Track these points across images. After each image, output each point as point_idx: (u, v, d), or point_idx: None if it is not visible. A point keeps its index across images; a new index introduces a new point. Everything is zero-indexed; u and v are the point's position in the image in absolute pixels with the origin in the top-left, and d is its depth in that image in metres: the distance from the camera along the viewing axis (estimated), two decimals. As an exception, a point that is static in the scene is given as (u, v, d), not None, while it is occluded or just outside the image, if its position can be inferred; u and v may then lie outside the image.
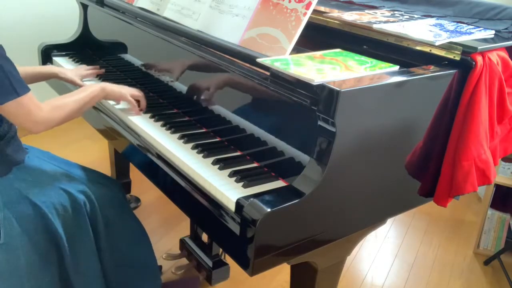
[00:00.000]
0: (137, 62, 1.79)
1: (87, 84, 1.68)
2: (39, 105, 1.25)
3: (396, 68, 1.16)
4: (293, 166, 1.14)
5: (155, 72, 1.67)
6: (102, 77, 1.80)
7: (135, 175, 2.35)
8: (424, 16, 1.52)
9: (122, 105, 1.56)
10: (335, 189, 1.07)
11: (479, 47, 1.18)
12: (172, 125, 1.42)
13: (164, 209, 2.45)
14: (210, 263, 1.75)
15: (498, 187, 2.24)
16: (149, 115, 1.49)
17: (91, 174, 1.49)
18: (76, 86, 1.70)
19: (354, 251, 2.04)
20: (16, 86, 1.19)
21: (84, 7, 2.09)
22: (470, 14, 1.48)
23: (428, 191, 1.30)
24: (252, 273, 1.01)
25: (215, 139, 1.37)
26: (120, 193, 1.55)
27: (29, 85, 1.26)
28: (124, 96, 1.49)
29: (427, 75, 1.15)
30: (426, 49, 1.26)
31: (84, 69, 1.80)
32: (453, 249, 2.39)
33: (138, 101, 1.52)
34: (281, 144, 1.18)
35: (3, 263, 1.23)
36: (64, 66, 1.97)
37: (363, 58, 1.22)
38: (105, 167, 2.38)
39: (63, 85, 1.81)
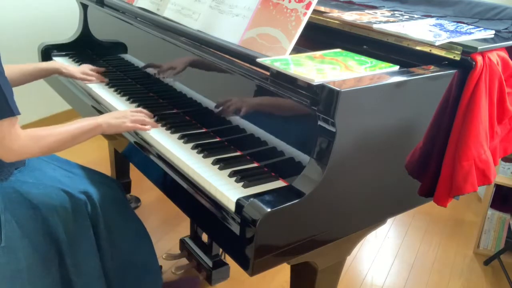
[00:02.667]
0: (137, 62, 1.79)
1: (84, 77, 1.69)
2: (18, 132, 1.14)
3: (396, 68, 1.16)
4: (293, 166, 1.14)
5: (155, 72, 1.67)
6: (110, 83, 1.76)
7: (135, 175, 2.35)
8: (424, 16, 1.52)
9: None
10: (335, 189, 1.07)
11: (479, 47, 1.18)
12: (172, 125, 1.42)
13: (164, 209, 2.45)
14: (210, 263, 1.75)
15: (498, 187, 2.24)
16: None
17: (92, 174, 1.49)
18: (76, 80, 1.70)
19: (354, 251, 2.04)
20: (11, 105, 1.11)
21: (84, 7, 2.09)
22: (470, 14, 1.48)
23: (428, 191, 1.30)
24: (252, 273, 1.01)
25: (215, 139, 1.37)
26: (120, 193, 1.55)
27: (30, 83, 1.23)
28: (124, 127, 1.37)
29: (427, 75, 1.15)
30: (426, 49, 1.26)
31: (88, 67, 1.78)
32: (453, 249, 2.39)
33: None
34: (281, 144, 1.18)
35: (4, 265, 1.23)
36: (64, 66, 1.97)
37: (363, 58, 1.22)
38: (105, 167, 2.38)
39: (64, 85, 1.80)
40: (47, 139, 1.21)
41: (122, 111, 1.43)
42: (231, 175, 1.16)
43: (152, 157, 1.34)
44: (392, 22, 1.40)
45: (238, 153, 1.29)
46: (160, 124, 1.43)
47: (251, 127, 1.27)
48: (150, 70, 1.70)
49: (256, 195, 1.05)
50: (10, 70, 1.49)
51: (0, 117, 1.11)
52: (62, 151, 1.29)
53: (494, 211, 2.30)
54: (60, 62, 1.71)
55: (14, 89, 1.18)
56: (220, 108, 1.37)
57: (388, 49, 1.33)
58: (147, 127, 1.39)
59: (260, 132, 1.24)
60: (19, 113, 1.14)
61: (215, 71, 1.39)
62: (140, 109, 1.47)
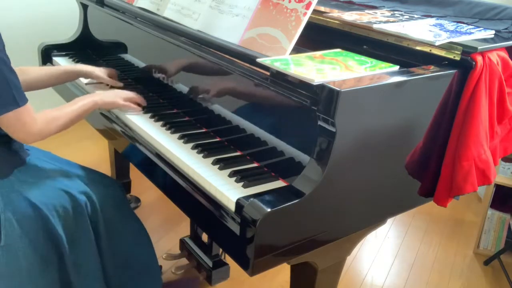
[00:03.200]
0: (137, 62, 1.79)
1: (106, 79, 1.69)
2: (34, 117, 1.25)
3: (396, 68, 1.16)
4: (293, 166, 1.14)
5: (155, 72, 1.67)
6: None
7: (135, 175, 2.35)
8: (424, 16, 1.52)
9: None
10: (335, 189, 1.07)
11: (479, 47, 1.18)
12: (172, 125, 1.42)
13: (164, 209, 2.45)
14: (210, 263, 1.75)
15: (498, 187, 2.24)
16: (149, 115, 1.49)
17: (92, 174, 1.49)
18: (77, 81, 1.70)
19: (354, 251, 2.03)
20: (17, 97, 1.19)
21: (84, 7, 2.08)
22: (470, 14, 1.48)
23: (428, 191, 1.30)
24: (252, 273, 1.01)
25: (215, 139, 1.37)
26: (120, 193, 1.54)
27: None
28: (117, 104, 1.49)
29: (427, 75, 1.15)
30: (426, 49, 1.26)
31: (113, 71, 1.75)
32: (453, 249, 2.39)
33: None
34: (281, 144, 1.18)
35: (4, 265, 1.23)
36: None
37: (363, 58, 1.21)
38: (105, 167, 2.38)
39: (68, 89, 1.79)
40: (58, 121, 1.32)
41: (115, 90, 1.57)
42: (231, 175, 1.16)
43: (152, 157, 1.34)
44: (392, 22, 1.40)
45: (238, 153, 1.29)
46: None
47: (251, 127, 1.27)
48: (150, 70, 1.70)
49: (256, 195, 1.05)
50: (36, 71, 1.56)
51: (21, 104, 1.20)
52: (62, 151, 1.29)
53: (494, 211, 2.30)
54: (91, 67, 1.69)
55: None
56: (220, 108, 1.37)
57: (388, 49, 1.33)
58: (136, 107, 1.51)
59: (260, 132, 1.24)
60: (25, 102, 1.22)
61: (215, 71, 1.39)
62: (131, 92, 1.55)
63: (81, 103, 1.40)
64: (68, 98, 1.91)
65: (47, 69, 1.62)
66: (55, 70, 1.62)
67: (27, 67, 1.53)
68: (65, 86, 1.79)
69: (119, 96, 1.50)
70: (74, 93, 1.75)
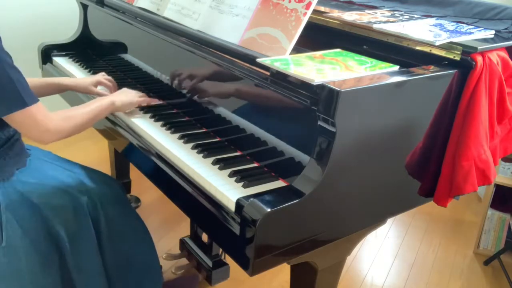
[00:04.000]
0: (137, 62, 1.79)
1: (101, 92, 1.63)
2: (48, 115, 1.23)
3: (396, 68, 1.16)
4: (293, 166, 1.14)
5: (155, 72, 1.67)
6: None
7: (135, 175, 2.35)
8: (424, 16, 1.52)
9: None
10: (335, 189, 1.07)
11: (479, 47, 1.18)
12: (172, 125, 1.42)
13: (164, 209, 2.45)
14: (210, 263, 1.75)
15: (498, 187, 2.24)
16: (149, 115, 1.49)
17: (92, 174, 1.49)
18: (93, 95, 1.65)
19: (354, 251, 2.03)
20: (24, 96, 1.17)
21: (84, 7, 2.09)
22: (470, 14, 1.48)
23: (428, 191, 1.30)
24: (252, 273, 1.01)
25: (215, 139, 1.37)
26: (121, 192, 1.55)
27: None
28: (135, 102, 1.50)
29: (427, 75, 1.15)
30: (426, 49, 1.26)
31: (100, 75, 1.69)
32: (453, 249, 2.39)
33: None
34: (281, 144, 1.18)
35: (5, 265, 1.23)
36: (64, 66, 1.97)
37: (363, 58, 1.22)
38: (105, 167, 2.37)
39: (75, 96, 1.78)
40: (76, 119, 1.31)
41: (127, 89, 1.54)
42: (231, 175, 1.16)
43: (152, 157, 1.34)
44: (392, 22, 1.40)
45: (238, 153, 1.29)
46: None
47: (251, 127, 1.27)
48: (150, 70, 1.70)
49: (256, 195, 1.05)
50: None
51: (30, 103, 1.18)
52: (62, 151, 1.30)
53: (494, 211, 2.30)
54: (69, 79, 1.66)
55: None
56: (220, 108, 1.37)
57: (388, 49, 1.33)
58: (153, 99, 1.55)
59: (260, 132, 1.24)
60: (35, 101, 1.20)
61: (215, 71, 1.39)
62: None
63: (98, 103, 1.40)
64: (67, 97, 1.91)
65: (32, 80, 1.54)
66: (38, 81, 1.58)
67: None
68: (75, 94, 1.75)
69: (133, 94, 1.50)
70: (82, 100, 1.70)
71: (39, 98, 1.22)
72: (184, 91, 1.52)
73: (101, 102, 1.40)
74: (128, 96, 1.49)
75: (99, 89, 1.65)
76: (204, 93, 1.44)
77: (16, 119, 1.19)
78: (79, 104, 1.67)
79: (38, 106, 1.21)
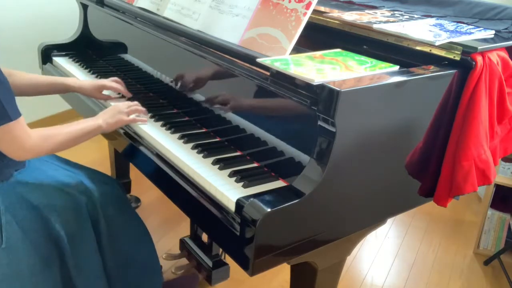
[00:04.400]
0: (137, 62, 1.79)
1: (108, 96, 1.60)
2: (27, 133, 1.18)
3: (396, 68, 1.16)
4: (293, 166, 1.14)
5: (155, 72, 1.67)
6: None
7: (135, 175, 2.35)
8: (424, 16, 1.52)
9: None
10: (335, 189, 1.07)
11: (479, 47, 1.18)
12: (172, 125, 1.42)
13: (164, 209, 2.45)
14: (210, 263, 1.75)
15: (498, 187, 2.24)
16: (149, 115, 1.49)
17: (92, 174, 1.49)
18: (98, 100, 1.62)
19: (354, 251, 2.03)
20: (9, 110, 1.12)
21: (84, 7, 2.08)
22: (470, 14, 1.48)
23: (428, 191, 1.30)
24: (252, 273, 1.01)
25: (215, 139, 1.37)
26: (121, 193, 1.55)
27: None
28: (122, 121, 1.41)
29: (427, 75, 1.15)
30: (426, 49, 1.26)
31: (108, 81, 1.61)
32: (453, 249, 2.39)
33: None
34: (281, 144, 1.18)
35: (5, 266, 1.23)
36: (64, 66, 1.97)
37: (363, 58, 1.21)
38: (105, 167, 2.38)
39: (76, 96, 1.77)
40: (55, 138, 1.25)
41: (116, 107, 1.42)
42: (231, 175, 1.16)
43: (152, 157, 1.34)
44: (392, 22, 1.40)
45: (238, 153, 1.29)
46: (153, 119, 1.45)
47: (251, 127, 1.27)
48: (150, 70, 1.70)
49: (256, 195, 1.05)
50: (21, 77, 1.48)
51: (13, 118, 1.13)
52: (62, 152, 1.29)
53: (494, 211, 2.30)
54: (77, 82, 1.60)
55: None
56: (220, 108, 1.37)
57: (388, 49, 1.33)
58: (144, 118, 1.43)
59: (260, 132, 1.24)
60: (17, 116, 1.15)
61: (215, 71, 1.39)
62: (135, 103, 1.47)
63: (84, 125, 1.34)
64: (66, 97, 1.91)
65: (37, 77, 1.55)
66: (43, 79, 1.55)
67: (16, 72, 1.46)
68: (81, 99, 1.73)
69: (122, 112, 1.41)
70: (90, 107, 1.68)
71: (40, 96, 1.18)
72: (184, 91, 1.52)
73: (87, 124, 1.34)
74: (116, 116, 1.39)
75: (107, 93, 1.62)
76: (204, 93, 1.44)
77: None
78: (83, 107, 1.66)
79: (19, 122, 1.16)
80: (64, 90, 1.59)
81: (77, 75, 1.87)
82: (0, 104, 1.11)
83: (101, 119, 1.37)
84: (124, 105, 1.43)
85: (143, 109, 1.46)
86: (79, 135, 1.31)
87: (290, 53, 1.20)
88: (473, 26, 1.39)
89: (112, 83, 1.60)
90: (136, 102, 1.47)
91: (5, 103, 1.12)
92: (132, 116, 1.42)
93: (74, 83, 1.58)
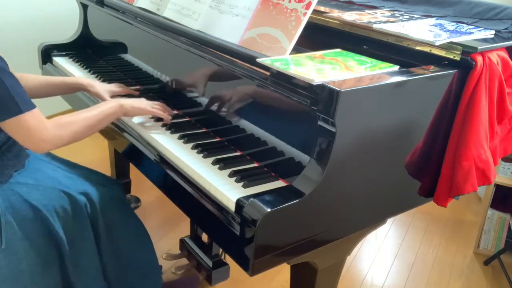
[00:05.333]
0: (137, 62, 1.79)
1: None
2: (43, 123, 1.17)
3: (396, 68, 1.16)
4: (293, 166, 1.14)
5: (155, 72, 1.67)
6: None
7: (135, 175, 2.35)
8: (424, 16, 1.52)
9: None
10: (335, 189, 1.07)
11: (479, 47, 1.18)
12: (172, 125, 1.42)
13: (164, 209, 2.45)
14: (210, 263, 1.75)
15: (498, 187, 2.23)
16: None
17: (92, 175, 1.49)
18: (99, 101, 1.60)
19: (354, 251, 2.03)
20: (19, 103, 1.13)
21: (84, 7, 2.09)
22: (470, 14, 1.48)
23: (428, 191, 1.30)
24: (252, 273, 1.01)
25: (215, 139, 1.37)
26: (121, 194, 1.55)
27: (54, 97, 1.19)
28: (146, 111, 1.39)
29: (427, 75, 1.15)
30: (426, 49, 1.26)
31: (115, 86, 1.63)
32: (453, 249, 2.39)
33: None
34: (281, 144, 1.18)
35: (5, 267, 1.23)
36: (64, 66, 1.97)
37: (363, 58, 1.22)
38: (105, 167, 2.38)
39: (76, 96, 1.76)
40: (74, 126, 1.23)
41: (141, 99, 1.43)
42: (231, 175, 1.16)
43: (152, 157, 1.34)
44: (392, 22, 1.40)
45: (238, 153, 1.29)
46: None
47: (251, 127, 1.27)
48: (150, 70, 1.70)
49: (256, 195, 1.05)
50: (33, 79, 1.49)
51: (24, 111, 1.13)
52: (61, 152, 1.29)
53: (494, 211, 2.30)
54: (87, 80, 1.60)
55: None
56: (220, 108, 1.37)
57: (388, 49, 1.33)
58: (166, 114, 1.41)
59: (260, 132, 1.24)
60: (30, 108, 1.14)
61: (215, 71, 1.39)
62: (158, 102, 1.46)
63: (104, 107, 1.30)
64: (69, 99, 1.91)
65: (46, 78, 1.56)
66: (54, 80, 1.56)
67: (26, 74, 1.47)
68: (80, 99, 1.72)
69: (148, 103, 1.40)
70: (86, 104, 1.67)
71: (35, 105, 1.17)
72: (184, 91, 1.52)
73: (107, 106, 1.31)
74: (142, 102, 1.39)
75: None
76: (204, 93, 1.44)
77: (10, 127, 1.15)
78: (83, 107, 1.66)
79: (33, 113, 1.15)
80: (73, 90, 1.59)
81: (77, 75, 1.87)
82: (10, 97, 1.11)
83: (124, 101, 1.36)
84: (149, 102, 1.43)
85: (166, 115, 1.43)
86: (100, 119, 1.29)
87: (290, 53, 1.20)
88: (473, 26, 1.39)
89: (119, 88, 1.62)
90: (162, 104, 1.45)
91: (15, 95, 1.12)
92: (156, 110, 1.41)
93: (86, 81, 1.57)
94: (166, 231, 2.29)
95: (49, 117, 1.21)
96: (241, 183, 1.12)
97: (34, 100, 1.20)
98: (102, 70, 1.91)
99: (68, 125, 1.23)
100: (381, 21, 1.40)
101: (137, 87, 1.73)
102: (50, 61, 2.06)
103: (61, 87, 1.57)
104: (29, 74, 1.49)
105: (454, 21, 1.45)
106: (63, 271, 1.34)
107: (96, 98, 1.60)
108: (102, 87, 1.58)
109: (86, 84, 1.57)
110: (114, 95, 1.59)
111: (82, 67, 1.94)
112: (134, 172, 2.24)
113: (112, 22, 1.88)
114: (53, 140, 1.19)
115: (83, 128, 1.25)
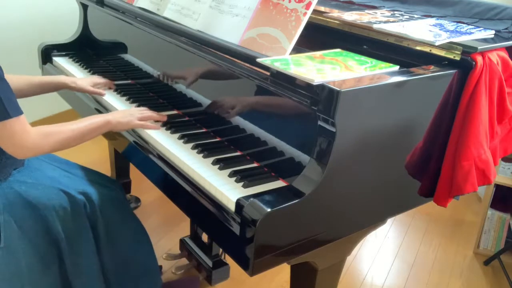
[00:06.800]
0: (137, 62, 1.79)
1: (97, 90, 1.62)
2: (27, 130, 1.17)
3: (396, 68, 1.16)
4: (293, 166, 1.14)
5: (155, 72, 1.67)
6: (118, 89, 1.71)
7: (135, 175, 2.35)
8: (424, 16, 1.52)
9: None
10: (335, 189, 1.07)
11: (479, 47, 1.18)
12: (172, 125, 1.42)
13: (164, 209, 2.45)
14: (210, 263, 1.75)
15: (498, 187, 2.23)
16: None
17: (91, 175, 1.49)
18: (90, 95, 1.64)
19: (354, 251, 2.03)
20: (8, 108, 1.12)
21: (84, 7, 2.09)
22: (470, 14, 1.48)
23: (428, 191, 1.30)
24: (252, 273, 1.01)
25: (215, 139, 1.37)
26: (120, 194, 1.54)
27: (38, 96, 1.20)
28: (132, 123, 1.38)
29: (427, 75, 1.15)
30: (426, 49, 1.26)
31: (96, 77, 1.69)
32: (453, 249, 2.39)
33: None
34: (281, 144, 1.18)
35: (4, 266, 1.23)
36: (64, 66, 1.97)
37: (363, 58, 1.22)
38: (105, 167, 2.38)
39: (76, 96, 1.77)
40: (57, 136, 1.23)
41: (128, 110, 1.43)
42: (231, 175, 1.16)
43: (152, 157, 1.34)
44: (392, 22, 1.40)
45: (238, 153, 1.29)
46: (160, 124, 1.43)
47: (251, 127, 1.27)
48: (150, 70, 1.70)
49: (256, 195, 1.05)
50: (16, 80, 1.48)
51: (13, 116, 1.13)
52: (61, 151, 1.29)
53: (494, 211, 2.30)
54: (69, 78, 1.63)
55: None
56: (220, 108, 1.37)
57: (388, 49, 1.33)
58: (154, 125, 1.41)
59: (260, 132, 1.24)
60: (17, 114, 1.15)
61: (215, 71, 1.39)
62: (145, 108, 1.47)
63: (90, 121, 1.31)
64: (66, 96, 1.91)
65: (29, 79, 1.55)
66: (37, 80, 1.55)
67: (10, 75, 1.42)
68: (81, 100, 1.73)
69: (134, 116, 1.39)
70: (91, 107, 1.68)
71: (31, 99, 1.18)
72: (184, 91, 1.52)
73: (93, 120, 1.32)
74: (126, 117, 1.38)
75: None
76: (204, 93, 1.44)
77: None
78: (83, 107, 1.67)
79: (19, 119, 1.15)
80: (57, 88, 1.61)
81: (77, 75, 1.87)
82: (1, 102, 1.11)
83: (111, 116, 1.36)
84: (137, 110, 1.43)
85: (156, 115, 1.43)
86: (85, 132, 1.29)
87: (290, 53, 1.20)
88: (473, 26, 1.39)
89: (101, 80, 1.68)
90: (147, 109, 1.45)
91: (4, 99, 1.12)
92: (144, 122, 1.40)
93: (70, 81, 1.60)
94: (166, 231, 2.29)
95: (48, 117, 1.21)
96: (241, 183, 1.12)
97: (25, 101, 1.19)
98: (102, 70, 1.91)
99: (52, 135, 1.22)
100: (381, 21, 1.40)
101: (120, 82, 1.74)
102: (50, 61, 2.06)
103: (44, 87, 1.57)
104: (12, 75, 1.48)
105: (454, 21, 1.45)
106: (62, 270, 1.34)
107: (83, 92, 1.64)
108: (84, 81, 1.62)
109: (68, 82, 1.60)
110: (96, 85, 1.65)
111: (82, 67, 1.94)
112: (134, 172, 2.24)
113: (112, 22, 1.88)
114: (33, 147, 1.19)
115: (67, 140, 1.25)
